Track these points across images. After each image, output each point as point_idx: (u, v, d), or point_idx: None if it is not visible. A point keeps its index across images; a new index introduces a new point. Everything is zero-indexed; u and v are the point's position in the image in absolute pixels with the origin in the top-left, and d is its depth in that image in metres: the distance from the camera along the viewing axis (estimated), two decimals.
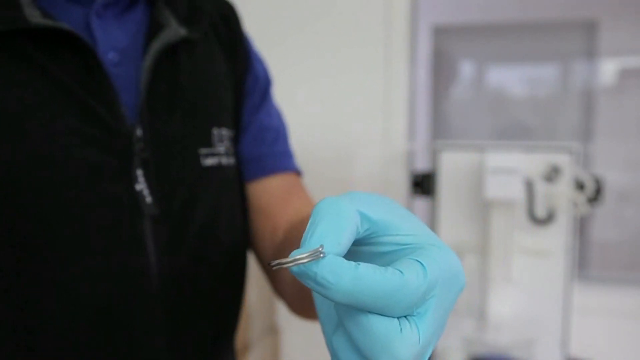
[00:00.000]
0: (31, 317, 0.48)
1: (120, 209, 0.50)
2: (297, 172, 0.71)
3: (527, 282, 1.04)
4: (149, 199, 0.52)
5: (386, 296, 0.26)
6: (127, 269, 0.51)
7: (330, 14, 1.32)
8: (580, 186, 1.02)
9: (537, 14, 1.72)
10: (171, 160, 0.54)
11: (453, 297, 0.29)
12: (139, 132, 0.51)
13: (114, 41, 0.53)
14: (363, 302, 0.26)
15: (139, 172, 0.51)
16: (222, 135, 0.60)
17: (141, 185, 0.52)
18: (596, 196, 1.02)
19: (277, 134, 0.70)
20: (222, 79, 0.62)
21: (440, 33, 1.84)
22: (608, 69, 1.74)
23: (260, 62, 0.70)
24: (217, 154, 0.59)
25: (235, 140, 0.64)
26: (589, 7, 1.73)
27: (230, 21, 0.66)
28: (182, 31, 0.56)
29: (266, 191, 0.67)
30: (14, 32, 0.46)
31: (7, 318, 0.47)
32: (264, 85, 0.70)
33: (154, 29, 0.55)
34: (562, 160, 1.03)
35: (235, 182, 0.63)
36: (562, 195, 1.01)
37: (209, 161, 0.58)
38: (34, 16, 0.47)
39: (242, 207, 0.66)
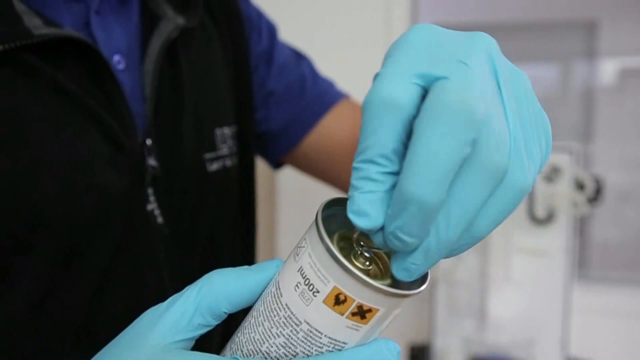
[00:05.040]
0: (40, 342, 0.45)
1: (133, 232, 0.47)
2: (343, 97, 0.69)
3: (527, 282, 1.03)
4: (160, 220, 0.50)
5: None
6: (144, 293, 0.49)
7: (329, 15, 1.32)
8: (580, 186, 1.02)
9: (537, 14, 1.72)
10: (179, 173, 0.51)
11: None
12: (149, 145, 0.49)
13: (116, 42, 0.50)
14: None
15: (150, 191, 0.49)
16: (224, 135, 0.58)
17: (152, 205, 0.50)
18: (596, 196, 1.02)
19: (301, 81, 0.67)
20: (219, 70, 0.59)
21: None
22: (608, 69, 1.74)
23: (260, 17, 0.67)
24: (222, 156, 0.57)
25: (240, 136, 0.62)
26: (589, 7, 1.73)
27: None
28: (180, 20, 0.53)
29: (322, 141, 0.66)
30: (17, 46, 0.42)
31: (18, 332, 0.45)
32: (268, 46, 0.66)
33: (150, 21, 0.52)
34: (562, 160, 1.02)
35: (237, 182, 0.61)
36: (562, 195, 1.01)
37: (214, 166, 0.56)
38: (36, 26, 0.43)
39: (246, 205, 0.64)
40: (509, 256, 1.04)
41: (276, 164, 0.72)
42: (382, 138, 0.26)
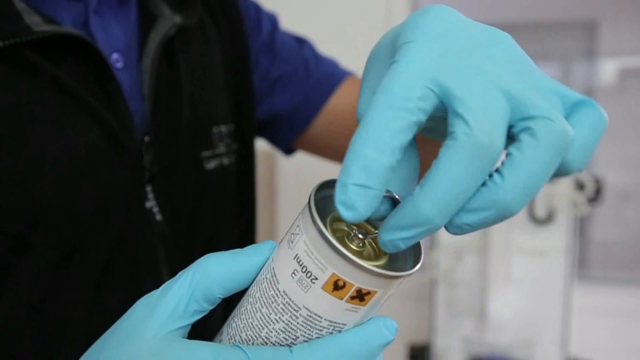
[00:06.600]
0: (43, 345, 0.45)
1: (132, 230, 0.47)
2: (348, 75, 0.69)
3: (527, 282, 1.04)
4: (159, 217, 0.51)
5: None
6: (143, 291, 0.48)
7: (330, 14, 1.32)
8: (580, 186, 1.02)
9: (537, 14, 1.72)
10: (177, 170, 0.51)
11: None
12: (147, 144, 0.49)
13: (114, 40, 0.50)
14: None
15: (148, 188, 0.49)
16: (221, 133, 0.58)
17: (151, 202, 0.50)
18: (596, 196, 1.02)
19: (305, 64, 0.68)
20: (217, 67, 0.59)
21: None
22: (608, 69, 1.74)
23: (259, 10, 0.67)
24: (219, 154, 0.57)
25: (238, 135, 0.62)
26: (589, 7, 1.73)
27: None
28: (176, 19, 0.53)
29: (332, 121, 0.66)
30: (17, 43, 0.42)
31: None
32: (269, 36, 0.66)
33: (147, 20, 0.52)
34: None
35: (235, 180, 0.61)
36: (562, 195, 1.01)
37: (212, 164, 0.56)
38: (36, 24, 0.43)
39: (245, 204, 0.64)
40: (509, 256, 1.04)
41: (287, 149, 0.73)
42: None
